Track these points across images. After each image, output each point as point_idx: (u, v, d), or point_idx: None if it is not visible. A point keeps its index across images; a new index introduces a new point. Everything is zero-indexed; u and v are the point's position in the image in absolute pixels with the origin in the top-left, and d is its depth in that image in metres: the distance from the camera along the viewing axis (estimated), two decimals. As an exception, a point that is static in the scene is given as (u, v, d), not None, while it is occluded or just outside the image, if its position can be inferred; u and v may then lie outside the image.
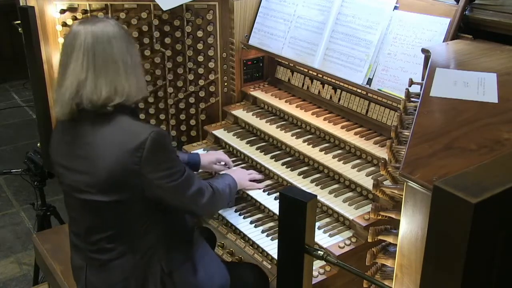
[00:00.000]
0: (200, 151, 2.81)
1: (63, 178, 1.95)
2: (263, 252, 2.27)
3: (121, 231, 1.90)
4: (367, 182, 2.26)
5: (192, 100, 3.07)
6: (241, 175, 2.44)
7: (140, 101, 1.95)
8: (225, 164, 2.59)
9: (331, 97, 2.74)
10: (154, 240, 1.94)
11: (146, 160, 1.77)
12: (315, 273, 2.00)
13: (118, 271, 1.92)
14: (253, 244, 2.32)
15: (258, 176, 2.54)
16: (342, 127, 2.57)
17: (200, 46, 2.98)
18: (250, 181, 2.48)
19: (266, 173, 2.60)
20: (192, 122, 3.12)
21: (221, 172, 2.48)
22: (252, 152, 2.67)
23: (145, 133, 1.77)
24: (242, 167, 2.64)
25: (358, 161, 2.43)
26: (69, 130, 1.88)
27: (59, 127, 1.98)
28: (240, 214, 2.43)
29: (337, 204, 2.26)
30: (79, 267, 2.03)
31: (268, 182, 2.55)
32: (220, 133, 2.89)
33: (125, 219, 1.88)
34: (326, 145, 2.57)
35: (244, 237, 2.36)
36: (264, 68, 3.15)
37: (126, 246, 1.92)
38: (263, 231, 2.33)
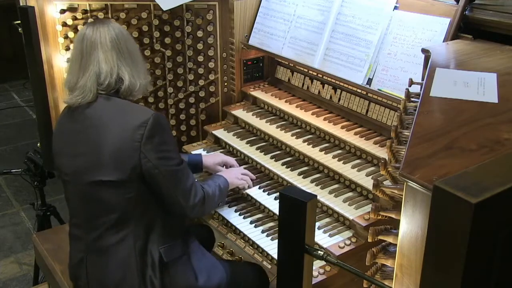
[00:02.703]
0: (200, 151, 2.82)
1: (67, 167, 2.01)
2: (263, 252, 2.27)
3: (121, 215, 1.93)
4: (367, 182, 2.26)
5: (192, 100, 3.07)
6: (232, 174, 2.42)
7: (141, 94, 2.13)
8: (231, 167, 2.58)
9: (331, 97, 2.74)
10: (153, 226, 1.98)
11: (147, 138, 1.87)
12: (315, 273, 2.00)
13: (119, 257, 1.94)
14: (253, 244, 2.32)
15: (250, 175, 2.52)
16: (342, 127, 2.57)
17: (200, 46, 2.98)
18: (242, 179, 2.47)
19: (266, 173, 2.61)
20: (192, 122, 3.12)
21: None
22: (252, 152, 2.67)
23: (148, 113, 1.91)
24: (242, 168, 2.64)
25: (358, 161, 2.43)
26: (78, 116, 1.99)
27: (66, 118, 2.06)
28: (240, 214, 2.43)
29: (337, 204, 2.26)
30: (78, 261, 2.04)
31: (268, 182, 2.55)
32: (220, 133, 2.89)
33: (126, 202, 1.92)
34: (326, 145, 2.57)
35: (244, 237, 2.36)
36: (264, 68, 3.15)
37: (126, 231, 1.94)
38: (263, 231, 2.33)
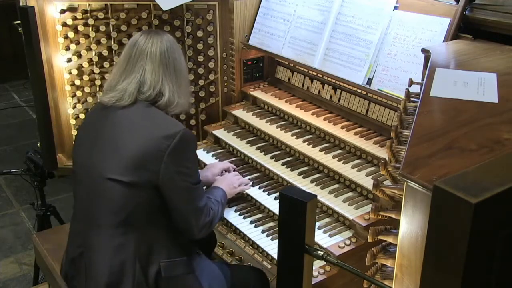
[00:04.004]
0: (200, 152, 2.81)
1: (84, 158, 2.01)
2: (263, 252, 2.27)
3: (126, 218, 1.92)
4: (367, 182, 2.26)
5: (192, 100, 3.07)
6: (230, 185, 2.40)
7: (178, 112, 2.14)
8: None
9: (331, 97, 2.74)
10: (159, 239, 1.96)
11: (172, 150, 1.88)
12: (315, 273, 2.00)
13: (117, 261, 1.93)
14: (253, 244, 2.32)
15: (245, 180, 2.51)
16: (342, 127, 2.57)
17: (200, 46, 2.98)
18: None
19: (266, 173, 2.61)
20: (192, 122, 3.12)
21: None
22: (252, 152, 2.67)
23: (179, 127, 1.94)
24: (241, 168, 2.64)
25: (358, 161, 2.43)
26: (109, 114, 2.00)
27: (96, 113, 2.08)
28: (240, 214, 2.43)
29: (337, 204, 2.26)
30: (76, 256, 2.03)
31: (268, 182, 2.55)
32: (220, 133, 2.89)
33: (133, 206, 1.91)
34: (326, 145, 2.57)
35: (244, 237, 2.36)
36: (264, 68, 3.15)
37: (129, 236, 1.93)
38: (263, 231, 2.33)
